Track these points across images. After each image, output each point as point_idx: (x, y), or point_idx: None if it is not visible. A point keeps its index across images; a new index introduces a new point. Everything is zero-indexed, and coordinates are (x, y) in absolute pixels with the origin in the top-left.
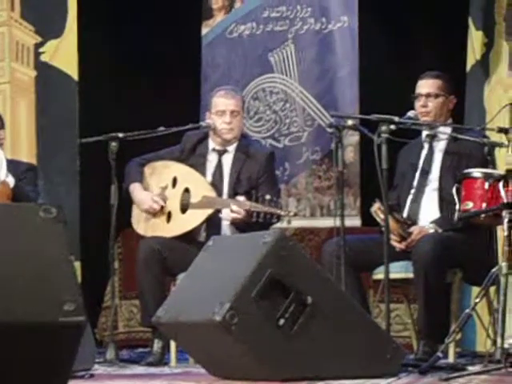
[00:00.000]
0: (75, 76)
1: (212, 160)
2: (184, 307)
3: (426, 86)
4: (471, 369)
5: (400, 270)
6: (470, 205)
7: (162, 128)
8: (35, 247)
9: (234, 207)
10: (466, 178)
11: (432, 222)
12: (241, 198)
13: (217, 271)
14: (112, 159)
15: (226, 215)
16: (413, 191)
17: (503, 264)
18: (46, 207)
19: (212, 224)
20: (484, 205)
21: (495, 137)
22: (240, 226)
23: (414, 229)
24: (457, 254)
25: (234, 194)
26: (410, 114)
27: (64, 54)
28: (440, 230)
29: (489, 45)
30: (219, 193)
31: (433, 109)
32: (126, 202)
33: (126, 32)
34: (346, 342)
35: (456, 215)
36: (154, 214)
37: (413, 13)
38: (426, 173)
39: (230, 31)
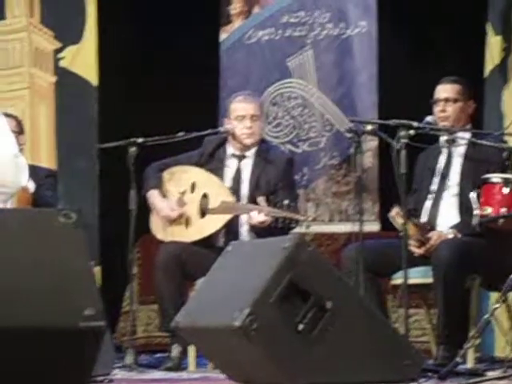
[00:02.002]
0: (94, 81)
1: (231, 165)
2: (203, 312)
3: (444, 90)
4: (490, 374)
5: (419, 276)
6: (488, 210)
7: (180, 133)
8: (55, 252)
9: (261, 217)
10: (485, 183)
11: (451, 227)
12: (261, 200)
13: (236, 276)
14: (131, 164)
15: (248, 218)
16: (431, 196)
17: None
18: (66, 212)
19: (231, 229)
20: (503, 210)
21: None
22: (259, 231)
23: (432, 234)
24: (476, 260)
25: (252, 199)
26: (429, 119)
27: (83, 59)
28: (459, 235)
29: (507, 50)
30: (238, 198)
31: (451, 114)
32: (145, 207)
33: (144, 38)
34: (365, 347)
35: (475, 220)
36: (173, 219)
37: (431, 18)
38: (444, 178)
39: (249, 37)
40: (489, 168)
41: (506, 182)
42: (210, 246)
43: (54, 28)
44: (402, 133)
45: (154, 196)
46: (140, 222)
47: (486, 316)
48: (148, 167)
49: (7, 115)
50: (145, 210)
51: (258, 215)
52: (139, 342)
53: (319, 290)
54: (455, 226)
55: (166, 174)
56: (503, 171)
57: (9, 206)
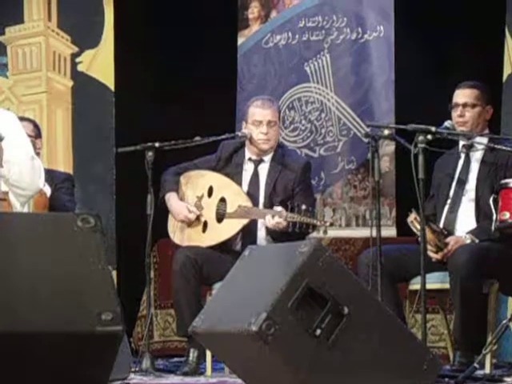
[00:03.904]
0: (111, 86)
1: (248, 169)
2: (220, 317)
3: (462, 95)
4: (508, 380)
5: (436, 281)
6: (507, 215)
7: (197, 138)
8: (73, 257)
9: (275, 220)
10: (503, 189)
11: (469, 233)
12: (278, 208)
13: (253, 281)
14: (148, 169)
15: (266, 222)
16: (449, 201)
17: None
18: (84, 216)
19: (247, 234)
20: None
21: None
22: (276, 235)
23: (450, 239)
24: (494, 265)
25: (269, 203)
26: (447, 123)
27: (100, 63)
28: (477, 241)
29: None
30: (255, 202)
31: (470, 119)
32: (162, 212)
33: (162, 42)
34: (383, 352)
35: (493, 226)
36: (190, 223)
37: (449, 22)
38: (462, 183)
39: (266, 41)
40: (507, 173)
41: None
42: (226, 251)
43: (72, 32)
44: (420, 138)
45: (172, 198)
46: (157, 227)
47: (504, 321)
48: (165, 171)
49: (24, 119)
50: (162, 214)
51: (273, 218)
52: (156, 347)
53: (336, 295)
54: (472, 232)
55: (182, 178)
56: None
57: (26, 210)
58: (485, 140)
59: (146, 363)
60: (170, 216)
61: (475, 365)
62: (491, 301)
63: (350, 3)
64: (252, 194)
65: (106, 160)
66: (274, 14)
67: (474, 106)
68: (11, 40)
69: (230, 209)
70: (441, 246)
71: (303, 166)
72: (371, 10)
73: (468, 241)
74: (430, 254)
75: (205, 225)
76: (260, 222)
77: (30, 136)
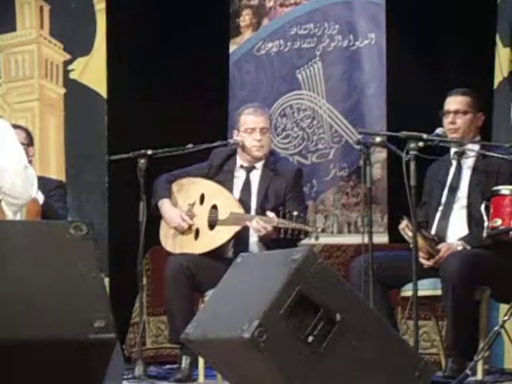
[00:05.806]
0: (104, 93)
1: (240, 177)
2: (213, 324)
3: (454, 102)
4: None
5: (428, 287)
6: (498, 222)
7: (190, 145)
8: (65, 264)
9: (261, 223)
10: (495, 195)
11: (460, 239)
12: (270, 214)
13: (245, 288)
14: (141, 176)
15: (255, 229)
16: (441, 208)
17: None
18: (77, 224)
19: (240, 241)
20: None
21: None
22: (268, 242)
23: (442, 246)
24: (485, 272)
25: (261, 210)
26: (439, 131)
27: (93, 71)
28: (468, 248)
29: None
30: (247, 209)
31: (461, 126)
32: (155, 219)
33: (154, 50)
34: (375, 359)
35: (485, 232)
36: (183, 231)
37: (440, 29)
38: (454, 190)
39: (258, 49)
40: (498, 180)
41: None
42: (219, 258)
43: (64, 40)
44: (412, 145)
45: (165, 205)
46: (149, 234)
47: (495, 328)
48: (157, 179)
49: (17, 127)
50: (154, 221)
51: (257, 224)
52: (148, 354)
53: (328, 302)
54: (464, 238)
55: (174, 186)
56: None
57: (18, 217)
58: (476, 147)
59: (138, 370)
60: (162, 223)
61: (467, 371)
62: (483, 307)
63: (341, 11)
64: (244, 201)
65: (98, 167)
66: (265, 21)
67: (465, 112)
68: (3, 48)
69: (221, 216)
70: (432, 253)
71: (295, 173)
72: (363, 17)
73: (460, 247)
74: (422, 260)
75: (197, 232)
76: (252, 229)
77: (22, 144)
